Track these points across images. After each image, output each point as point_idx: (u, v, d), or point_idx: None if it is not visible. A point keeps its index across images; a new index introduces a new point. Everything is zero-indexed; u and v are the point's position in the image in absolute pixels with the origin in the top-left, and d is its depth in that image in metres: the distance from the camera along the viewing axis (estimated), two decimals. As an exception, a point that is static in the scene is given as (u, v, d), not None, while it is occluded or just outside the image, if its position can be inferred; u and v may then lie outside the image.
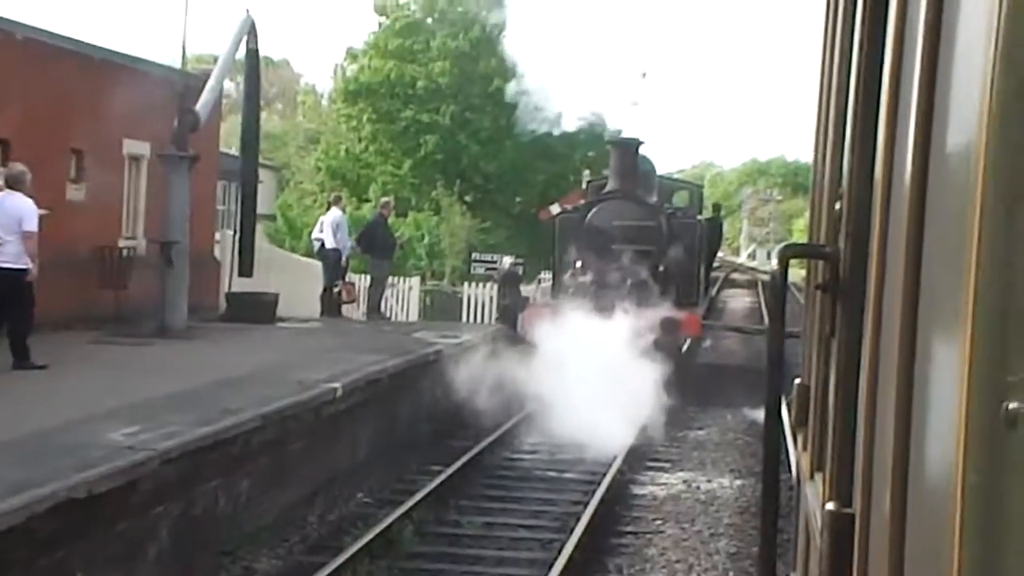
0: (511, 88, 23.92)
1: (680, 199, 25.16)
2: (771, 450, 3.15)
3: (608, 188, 21.26)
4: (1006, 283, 1.24)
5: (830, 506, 2.46)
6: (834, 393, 2.87)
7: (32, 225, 12.69)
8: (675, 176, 41.34)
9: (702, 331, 22.51)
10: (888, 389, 1.85)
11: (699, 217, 24.15)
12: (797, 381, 3.80)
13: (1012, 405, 1.20)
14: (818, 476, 3.18)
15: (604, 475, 13.57)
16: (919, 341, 1.70)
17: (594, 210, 20.67)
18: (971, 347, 1.32)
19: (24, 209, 12.70)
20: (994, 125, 1.28)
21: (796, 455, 4.49)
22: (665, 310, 19.21)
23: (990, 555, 1.25)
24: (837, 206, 3.05)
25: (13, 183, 12.93)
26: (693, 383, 19.37)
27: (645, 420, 15.98)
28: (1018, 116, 1.24)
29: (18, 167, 13.25)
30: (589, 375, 15.61)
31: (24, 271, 12.63)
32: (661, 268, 20.22)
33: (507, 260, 26.47)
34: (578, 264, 20.29)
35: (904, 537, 1.70)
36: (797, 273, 10.14)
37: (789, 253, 3.17)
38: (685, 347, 20.66)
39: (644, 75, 22.23)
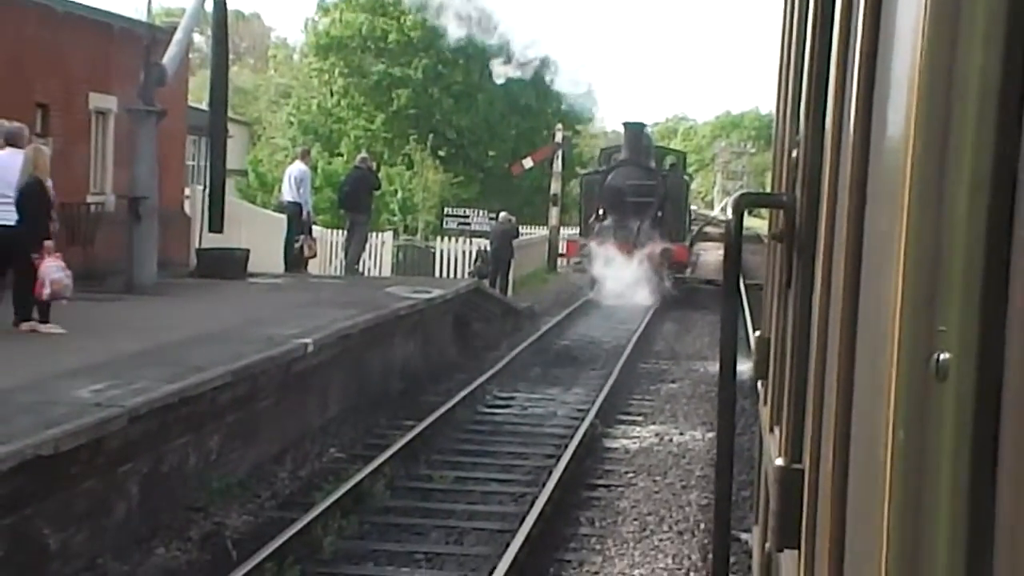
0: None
1: (669, 162, 33.33)
2: (726, 404, 3.13)
3: (622, 157, 30.19)
4: (936, 230, 1.22)
5: (779, 461, 2.43)
6: (790, 346, 2.84)
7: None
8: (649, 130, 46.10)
9: (688, 257, 32.37)
10: (834, 342, 1.83)
11: (684, 177, 33.06)
12: (757, 333, 3.78)
13: (943, 356, 1.18)
14: (776, 429, 3.17)
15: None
16: (861, 292, 1.68)
17: (612, 174, 29.44)
18: (902, 297, 1.29)
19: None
20: (924, 74, 1.32)
21: (760, 408, 4.48)
22: (663, 243, 27.98)
23: (916, 509, 1.23)
24: (794, 154, 3.01)
25: (14, 140, 12.75)
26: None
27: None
28: (943, 62, 1.25)
29: (15, 124, 13.07)
30: (618, 281, 26.93)
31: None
32: (659, 214, 28.90)
33: (503, 215, 29.20)
34: (600, 212, 28.94)
35: (846, 494, 1.68)
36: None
37: (745, 202, 3.12)
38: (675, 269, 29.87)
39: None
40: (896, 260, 1.31)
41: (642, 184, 29.00)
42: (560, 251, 34.38)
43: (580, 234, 30.72)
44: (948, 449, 1.15)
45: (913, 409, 1.25)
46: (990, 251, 1.12)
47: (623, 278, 27.06)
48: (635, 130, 30.61)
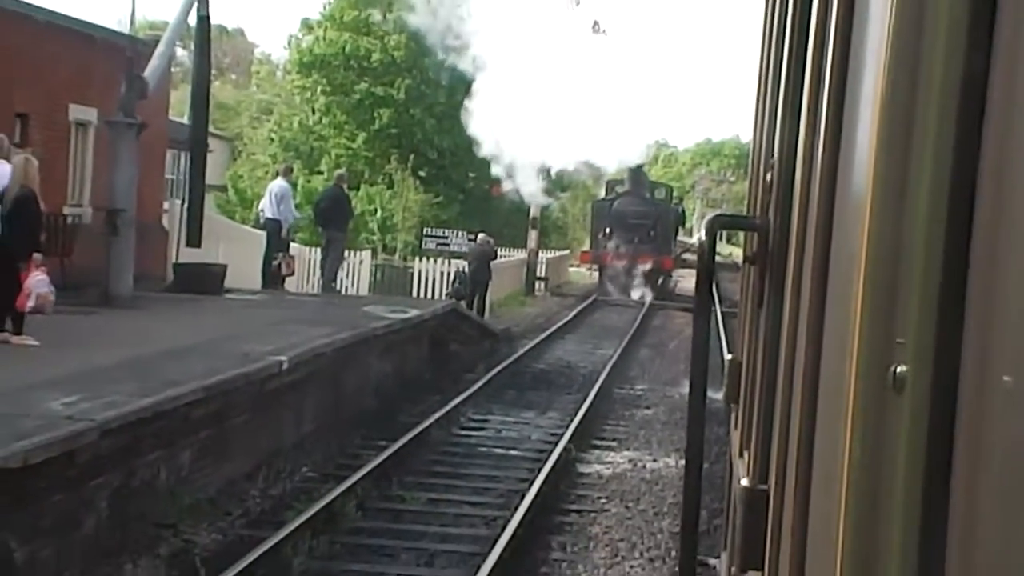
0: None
1: (660, 193, 43.65)
2: (695, 428, 3.12)
3: (625, 189, 40.59)
4: (896, 245, 1.23)
5: (745, 482, 2.43)
6: (760, 368, 2.83)
7: None
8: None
9: (674, 265, 43.10)
10: (800, 360, 1.83)
11: (672, 205, 44.38)
12: (729, 357, 3.78)
13: (900, 368, 1.19)
14: (745, 453, 3.16)
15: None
16: (827, 310, 1.68)
17: (617, 201, 39.95)
18: (862, 310, 1.30)
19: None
20: (886, 104, 1.36)
21: (731, 432, 4.47)
22: (656, 256, 38.65)
23: (871, 523, 1.23)
24: (768, 177, 3.02)
25: None
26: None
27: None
28: (906, 90, 1.28)
29: None
30: (621, 284, 38.17)
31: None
32: (652, 233, 38.95)
33: (481, 236, 29.31)
34: (607, 230, 38.98)
35: (808, 512, 1.67)
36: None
37: (718, 224, 3.13)
38: (664, 276, 41.78)
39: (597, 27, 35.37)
40: (858, 275, 1.32)
41: (641, 210, 39.17)
42: (538, 274, 39.67)
43: (590, 247, 41.90)
44: (903, 461, 1.16)
45: (870, 421, 1.26)
46: (947, 264, 1.13)
47: (624, 280, 38.02)
48: (635, 168, 40.79)
